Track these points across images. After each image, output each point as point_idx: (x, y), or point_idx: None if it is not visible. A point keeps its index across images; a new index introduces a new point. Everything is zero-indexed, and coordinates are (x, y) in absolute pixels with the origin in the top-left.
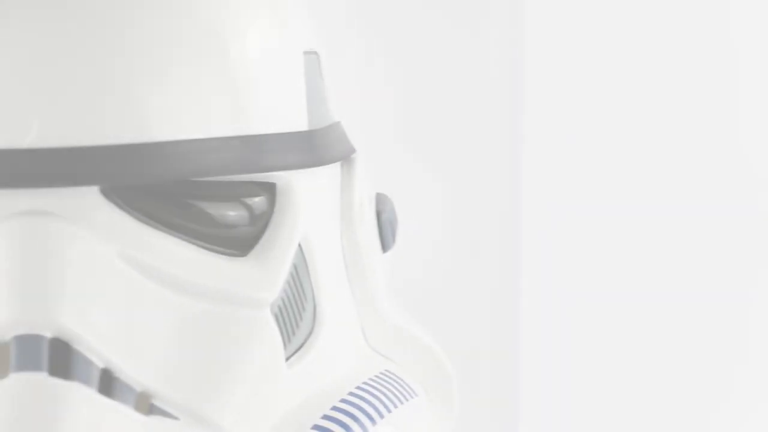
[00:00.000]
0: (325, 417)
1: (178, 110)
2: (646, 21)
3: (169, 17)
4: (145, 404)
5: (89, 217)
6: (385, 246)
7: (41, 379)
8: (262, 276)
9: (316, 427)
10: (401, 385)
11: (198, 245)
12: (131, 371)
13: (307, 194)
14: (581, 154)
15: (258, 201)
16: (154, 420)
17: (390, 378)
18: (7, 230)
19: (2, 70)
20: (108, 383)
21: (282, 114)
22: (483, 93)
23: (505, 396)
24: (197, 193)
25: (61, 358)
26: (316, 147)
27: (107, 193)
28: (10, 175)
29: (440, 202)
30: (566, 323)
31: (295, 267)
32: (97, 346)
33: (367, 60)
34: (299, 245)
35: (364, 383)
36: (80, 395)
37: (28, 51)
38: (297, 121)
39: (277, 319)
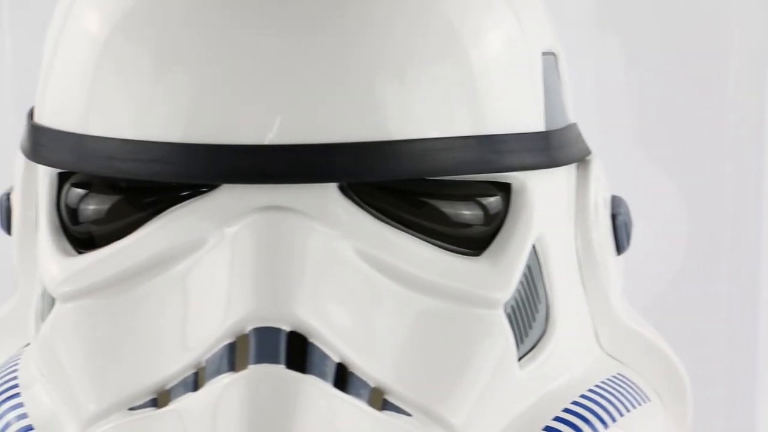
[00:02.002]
0: (557, 419)
1: (417, 109)
2: None
3: (410, 17)
4: (378, 400)
5: (327, 213)
6: (619, 248)
7: (278, 371)
8: (496, 276)
9: (547, 428)
10: (634, 390)
11: (432, 243)
12: (366, 366)
13: (541, 195)
14: None
15: (493, 201)
16: (387, 416)
17: (622, 382)
18: (248, 225)
19: (246, 68)
20: (343, 378)
21: (519, 114)
22: (722, 95)
23: (741, 404)
24: (433, 192)
25: (298, 352)
26: (552, 148)
27: (344, 190)
28: (251, 171)
29: (676, 205)
30: None
31: (528, 267)
32: (334, 340)
33: (603, 61)
34: (533, 246)
35: (597, 386)
36: (316, 388)
37: (270, 50)
38: (534, 122)
39: (510, 319)
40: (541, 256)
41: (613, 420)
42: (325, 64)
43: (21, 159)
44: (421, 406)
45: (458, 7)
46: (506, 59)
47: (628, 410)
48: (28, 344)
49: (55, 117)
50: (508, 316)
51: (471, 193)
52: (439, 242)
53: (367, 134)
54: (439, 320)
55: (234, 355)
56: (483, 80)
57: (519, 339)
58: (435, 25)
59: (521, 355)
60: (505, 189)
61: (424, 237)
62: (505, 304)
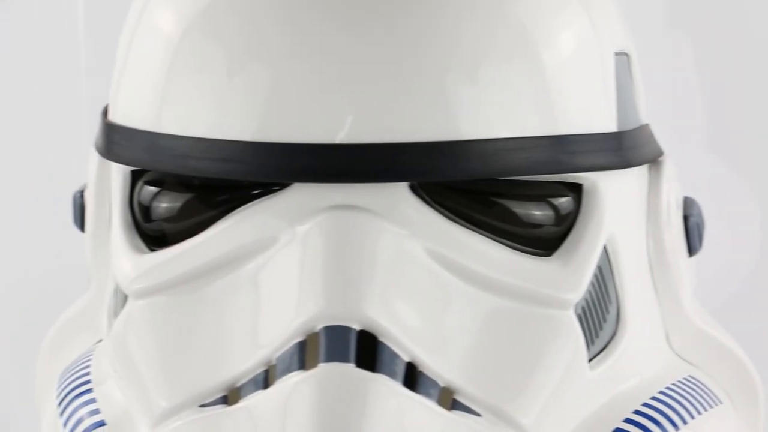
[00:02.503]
0: (627, 420)
1: (488, 109)
2: None
3: (482, 16)
4: (448, 399)
5: (398, 212)
6: (691, 250)
7: (348, 370)
8: (566, 276)
9: (617, 430)
10: (705, 392)
11: (502, 243)
12: (436, 366)
13: (613, 196)
14: None
15: (564, 201)
16: (456, 415)
17: (694, 384)
18: (319, 224)
19: (319, 68)
20: (412, 377)
21: (591, 115)
22: None
23: None
24: (503, 192)
25: (368, 351)
26: (624, 149)
27: (415, 190)
28: (323, 170)
29: (749, 206)
30: None
31: (599, 268)
32: (404, 339)
33: (676, 61)
34: (604, 247)
35: (667, 388)
36: (386, 387)
37: (344, 49)
38: (606, 123)
39: (580, 320)
40: (612, 257)
41: (684, 422)
42: (397, 64)
43: (95, 157)
44: (491, 405)
45: (531, 7)
46: (578, 59)
47: (699, 413)
48: (100, 340)
49: (129, 115)
50: (579, 317)
51: (542, 193)
52: (509, 242)
53: (438, 134)
54: (510, 320)
55: (304, 354)
56: (555, 80)
57: (589, 340)
58: (507, 25)
59: (591, 356)
60: (576, 189)
61: (495, 237)
62: (576, 305)
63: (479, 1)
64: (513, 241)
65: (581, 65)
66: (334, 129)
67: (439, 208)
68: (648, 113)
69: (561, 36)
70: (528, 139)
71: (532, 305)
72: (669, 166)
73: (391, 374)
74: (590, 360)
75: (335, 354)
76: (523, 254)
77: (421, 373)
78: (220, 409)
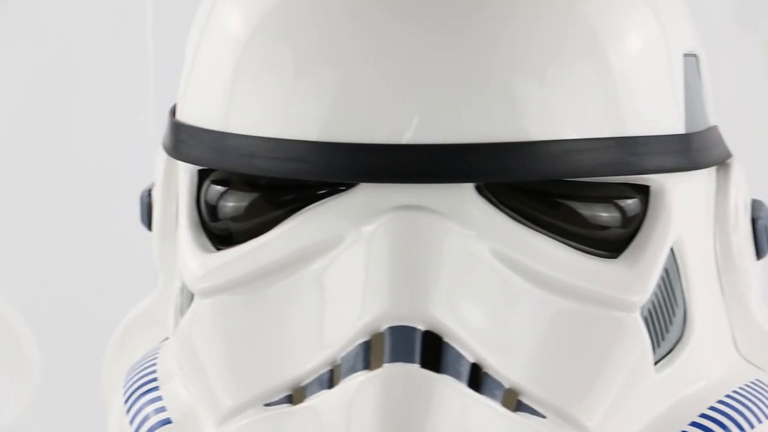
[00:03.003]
0: (693, 424)
1: (556, 110)
2: None
3: (551, 18)
4: (513, 401)
5: (464, 213)
6: (759, 253)
7: (413, 370)
8: (633, 279)
9: None
10: None
11: (568, 245)
12: (501, 367)
13: (680, 198)
14: None
15: (631, 203)
16: (521, 417)
17: (761, 388)
18: (384, 224)
19: (387, 68)
20: (477, 378)
21: (659, 116)
22: None
23: None
24: (570, 193)
25: (433, 351)
26: (692, 150)
27: (481, 190)
28: (389, 170)
29: None
30: None
31: (666, 271)
32: (469, 340)
33: (745, 62)
34: (671, 249)
35: (734, 392)
36: (450, 388)
37: (411, 49)
38: (674, 124)
39: (646, 323)
40: (678, 260)
41: (751, 426)
42: (465, 64)
43: (162, 156)
44: (556, 407)
45: (600, 8)
46: (647, 60)
47: (766, 417)
48: (167, 338)
49: (196, 114)
50: (645, 319)
51: (609, 194)
52: (575, 244)
53: (505, 134)
54: (575, 322)
55: (369, 354)
56: (623, 81)
57: (655, 342)
58: (577, 26)
59: (658, 358)
60: (643, 191)
61: (561, 238)
62: (642, 307)
63: (549, 3)
64: (579, 243)
65: (650, 66)
66: (401, 129)
67: (505, 209)
68: (716, 115)
69: (630, 37)
70: (596, 141)
71: (598, 307)
72: (737, 168)
73: (456, 375)
74: (656, 362)
75: (400, 354)
76: (590, 256)
77: (485, 374)
78: (285, 408)
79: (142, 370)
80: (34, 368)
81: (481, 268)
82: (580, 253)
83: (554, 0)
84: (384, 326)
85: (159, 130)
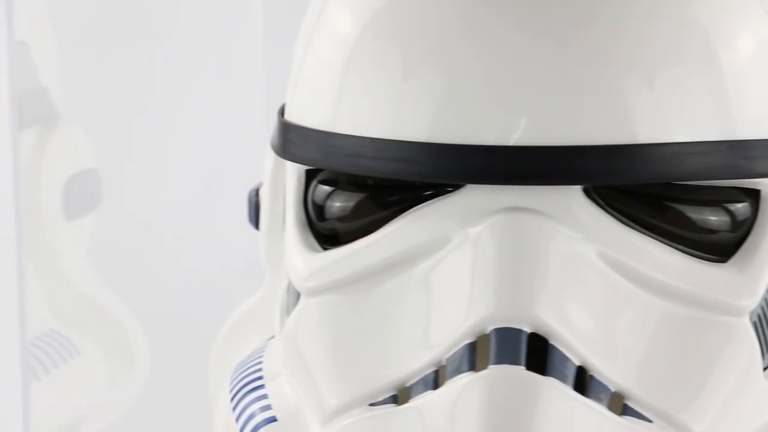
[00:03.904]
0: None
1: (665, 113)
2: None
3: (664, 21)
4: (618, 404)
5: (571, 215)
6: None
7: (518, 372)
8: (742, 283)
9: None
10: None
11: (676, 249)
12: (607, 370)
13: None
14: None
15: (741, 207)
16: (627, 421)
17: None
18: (491, 225)
19: (495, 69)
20: (582, 381)
21: None
22: None
23: None
24: (678, 197)
25: (538, 353)
26: None
27: (589, 193)
28: (497, 172)
29: None
30: None
31: None
32: (575, 343)
33: None
34: None
35: None
36: (556, 390)
37: (521, 51)
38: None
39: (755, 328)
40: None
41: None
42: (575, 67)
43: (270, 156)
44: (663, 412)
45: (713, 10)
46: (758, 64)
47: None
48: (273, 337)
49: (305, 115)
50: (754, 325)
51: (718, 198)
52: (683, 248)
53: (614, 137)
54: (683, 326)
55: (474, 355)
56: (735, 84)
57: (765, 348)
58: (689, 29)
59: (767, 364)
60: (753, 195)
61: (669, 242)
62: (752, 312)
63: (663, 6)
64: (687, 247)
65: (761, 70)
66: (509, 131)
67: (612, 212)
68: None
69: (742, 39)
70: (705, 144)
71: (706, 312)
72: None
73: (562, 377)
74: (765, 368)
75: (505, 356)
76: (698, 260)
77: (591, 377)
78: (390, 408)
79: (249, 368)
80: (143, 365)
81: (587, 270)
82: (689, 256)
83: (668, 2)
84: (490, 328)
85: (267, 130)
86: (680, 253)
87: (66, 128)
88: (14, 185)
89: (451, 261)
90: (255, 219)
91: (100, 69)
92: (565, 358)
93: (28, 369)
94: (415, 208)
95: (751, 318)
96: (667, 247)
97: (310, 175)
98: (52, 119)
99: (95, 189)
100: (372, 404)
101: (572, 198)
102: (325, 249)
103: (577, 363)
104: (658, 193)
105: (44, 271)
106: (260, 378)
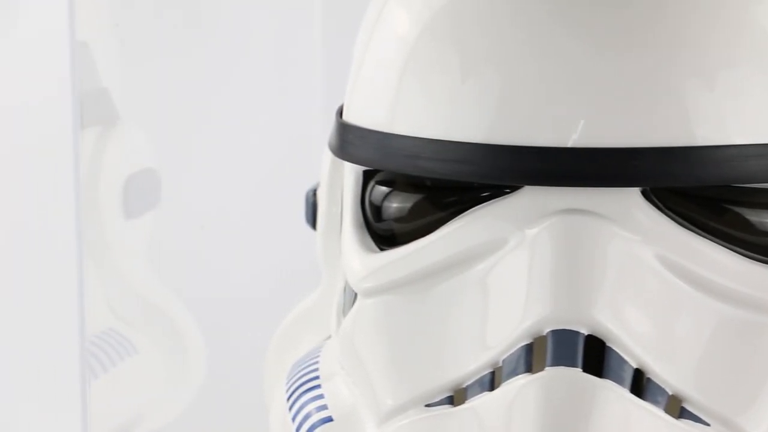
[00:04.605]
0: None
1: (724, 114)
2: None
3: (724, 24)
4: (676, 407)
5: (630, 217)
6: None
7: (575, 374)
8: None
9: None
10: None
11: (735, 251)
12: (664, 373)
13: None
14: None
15: None
16: (684, 424)
17: None
18: (549, 227)
19: (554, 71)
20: (639, 383)
21: None
22: None
23: None
24: (737, 199)
25: (595, 356)
26: None
27: (647, 195)
28: (555, 174)
29: None
30: None
31: None
32: (632, 345)
33: None
34: None
35: None
36: (613, 393)
37: (579, 52)
38: None
39: None
40: None
41: None
42: (633, 69)
43: (328, 156)
44: (721, 416)
45: None
46: None
47: None
48: (329, 337)
49: (362, 115)
50: None
51: None
52: (742, 250)
53: (672, 139)
54: (742, 330)
55: (531, 357)
56: None
57: None
58: (749, 31)
59: None
60: None
61: (727, 245)
62: None
63: (722, 7)
64: (746, 250)
65: None
66: (566, 132)
67: (671, 214)
68: None
69: None
70: (764, 146)
71: (765, 315)
72: None
73: (618, 380)
74: None
75: (562, 358)
76: (757, 263)
77: (648, 380)
78: (446, 409)
79: (305, 368)
80: (200, 364)
81: (645, 273)
82: (747, 259)
83: (727, 3)
84: (546, 329)
85: (325, 131)
86: (739, 255)
87: (125, 128)
88: (75, 185)
89: (508, 262)
90: (312, 219)
91: (159, 69)
92: (622, 361)
93: (86, 367)
94: (472, 209)
95: None
96: (726, 249)
97: (367, 176)
98: (112, 119)
99: (154, 188)
100: (428, 405)
101: (630, 200)
102: (382, 250)
103: (634, 365)
104: (717, 195)
105: (103, 270)
106: (317, 378)
